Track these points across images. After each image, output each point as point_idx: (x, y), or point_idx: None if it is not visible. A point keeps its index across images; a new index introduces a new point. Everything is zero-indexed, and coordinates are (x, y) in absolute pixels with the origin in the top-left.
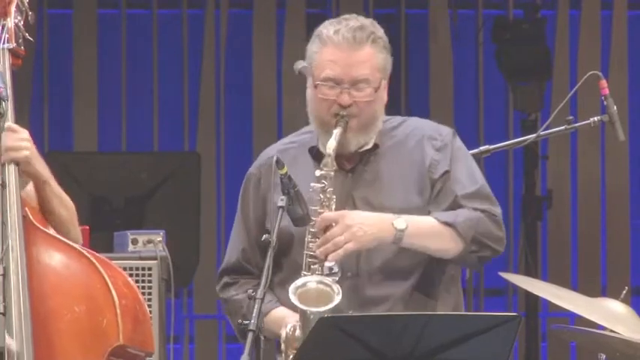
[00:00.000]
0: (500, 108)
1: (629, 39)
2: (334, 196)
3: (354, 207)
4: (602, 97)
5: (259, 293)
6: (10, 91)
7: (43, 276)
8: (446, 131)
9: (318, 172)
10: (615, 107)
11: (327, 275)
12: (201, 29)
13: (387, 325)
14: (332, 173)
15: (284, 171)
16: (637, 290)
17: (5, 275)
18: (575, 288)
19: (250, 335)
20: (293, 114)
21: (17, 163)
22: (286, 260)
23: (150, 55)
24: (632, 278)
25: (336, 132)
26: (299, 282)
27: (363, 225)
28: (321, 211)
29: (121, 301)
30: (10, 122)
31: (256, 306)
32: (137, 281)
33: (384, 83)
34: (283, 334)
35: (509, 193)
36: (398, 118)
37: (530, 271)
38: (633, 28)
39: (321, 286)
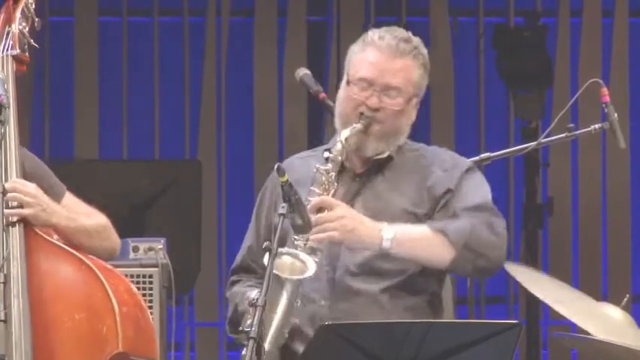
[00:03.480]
0: (500, 115)
1: (629, 46)
2: (336, 183)
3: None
4: (603, 105)
5: (260, 301)
6: (12, 98)
7: (44, 283)
8: (462, 159)
9: (326, 154)
10: (616, 115)
11: (308, 254)
12: (202, 37)
13: (389, 333)
14: (339, 158)
15: (284, 179)
16: (638, 298)
17: (6, 283)
18: None
19: (251, 343)
20: (294, 121)
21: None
22: None
23: (151, 62)
24: (633, 286)
25: (356, 125)
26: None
27: (356, 223)
28: (319, 192)
29: (121, 309)
30: (14, 177)
31: (257, 313)
32: (138, 289)
33: (416, 101)
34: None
35: (509, 200)
36: (419, 144)
37: None
38: (634, 35)
39: (297, 262)
